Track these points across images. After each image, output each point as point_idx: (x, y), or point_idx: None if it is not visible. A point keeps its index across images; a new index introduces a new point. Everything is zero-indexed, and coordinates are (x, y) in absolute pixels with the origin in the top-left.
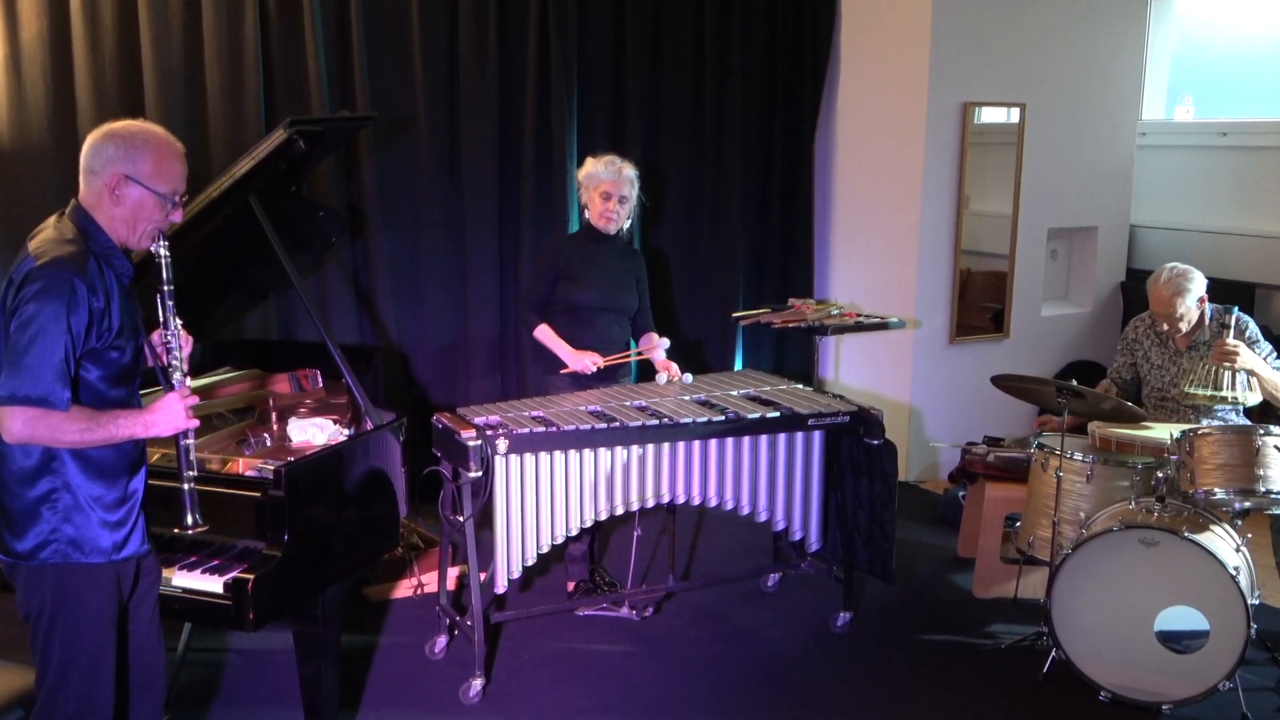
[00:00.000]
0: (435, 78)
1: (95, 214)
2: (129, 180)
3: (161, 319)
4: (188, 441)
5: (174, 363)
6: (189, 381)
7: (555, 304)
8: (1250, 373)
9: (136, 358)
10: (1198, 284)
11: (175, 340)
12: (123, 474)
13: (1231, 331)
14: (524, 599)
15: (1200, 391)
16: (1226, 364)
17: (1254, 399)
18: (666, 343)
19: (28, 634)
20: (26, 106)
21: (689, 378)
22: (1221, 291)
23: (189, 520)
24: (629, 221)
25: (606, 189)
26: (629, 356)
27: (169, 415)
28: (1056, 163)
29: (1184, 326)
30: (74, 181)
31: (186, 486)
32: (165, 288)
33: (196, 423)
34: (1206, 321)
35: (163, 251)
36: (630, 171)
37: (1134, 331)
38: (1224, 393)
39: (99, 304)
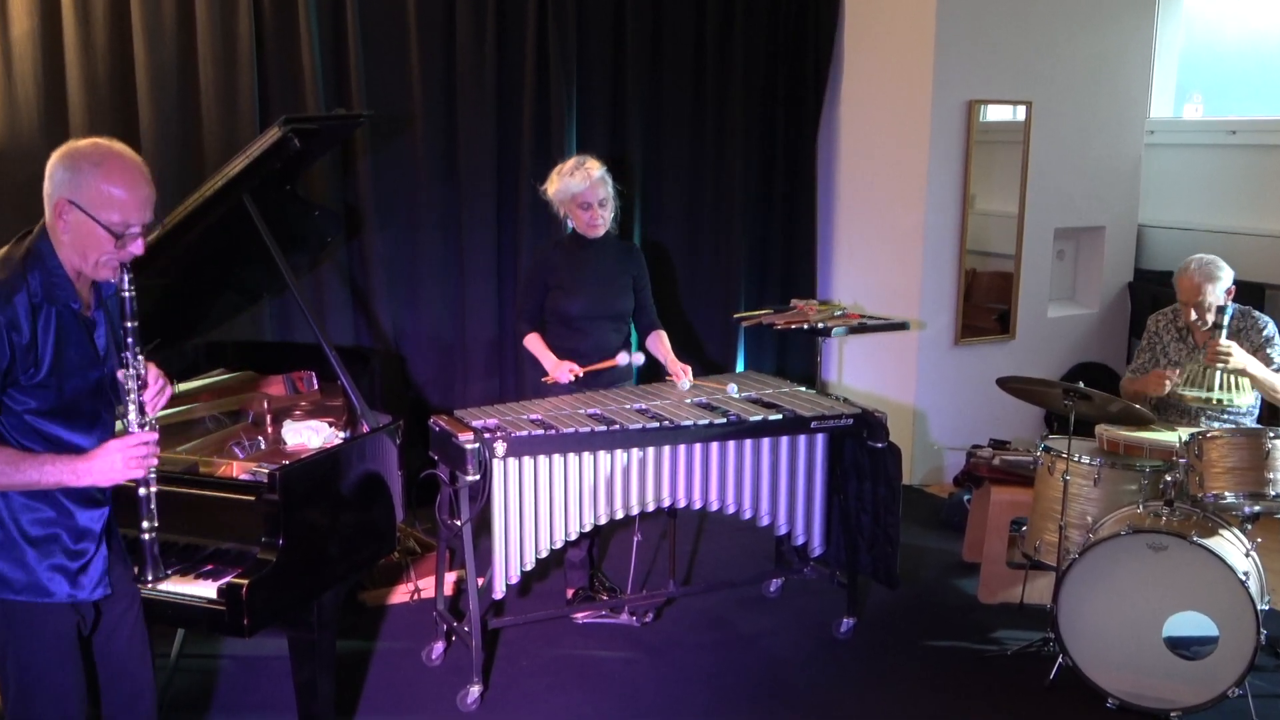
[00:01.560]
0: (432, 75)
1: (52, 238)
2: (72, 206)
3: (122, 358)
4: (145, 491)
5: (129, 404)
6: (149, 422)
7: (548, 314)
8: (1242, 373)
9: (93, 394)
10: (1227, 274)
11: (134, 382)
12: (72, 510)
13: (1225, 332)
14: (522, 604)
15: (1192, 393)
16: (1219, 364)
17: (1245, 400)
18: (640, 359)
19: None
20: (17, 104)
21: (734, 388)
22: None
23: (149, 575)
24: (614, 214)
25: (584, 199)
26: (608, 365)
27: (104, 463)
28: (1063, 161)
29: (1210, 317)
30: None
31: (146, 537)
32: (127, 324)
33: (141, 473)
34: (1227, 319)
35: (125, 286)
36: (599, 171)
37: (1155, 325)
38: (1215, 394)
39: (22, 339)
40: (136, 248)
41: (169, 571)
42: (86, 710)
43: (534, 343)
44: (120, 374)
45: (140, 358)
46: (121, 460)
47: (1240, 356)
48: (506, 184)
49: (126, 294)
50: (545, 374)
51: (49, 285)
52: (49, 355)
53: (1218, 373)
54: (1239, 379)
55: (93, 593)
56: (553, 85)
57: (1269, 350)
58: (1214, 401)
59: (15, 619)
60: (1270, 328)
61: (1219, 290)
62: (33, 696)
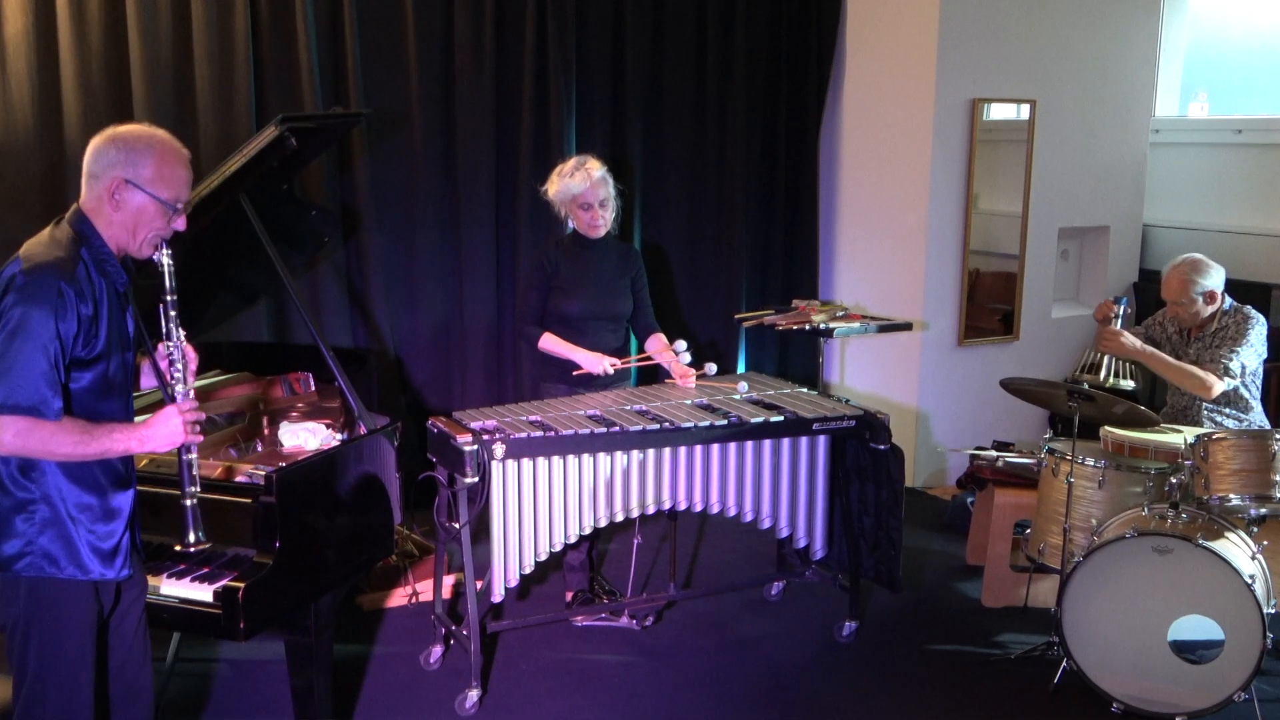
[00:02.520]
0: (430, 73)
1: (95, 219)
2: (129, 185)
3: (164, 330)
4: (190, 456)
5: (176, 375)
6: (193, 395)
7: (548, 314)
8: (1134, 359)
9: (126, 372)
10: (1210, 276)
11: (178, 352)
12: (108, 490)
13: (1120, 321)
14: (521, 608)
15: (1088, 376)
16: (1106, 351)
17: (1128, 385)
18: (682, 345)
19: (5, 643)
20: (11, 103)
21: (744, 386)
22: (1237, 292)
23: (191, 538)
24: (615, 214)
25: (585, 200)
26: (646, 361)
27: (166, 429)
28: (1067, 160)
29: (1186, 316)
30: (58, 179)
31: (189, 503)
32: (168, 298)
33: (199, 438)
34: (1218, 316)
35: (165, 260)
36: (599, 172)
37: (1161, 315)
38: (1104, 378)
39: (88, 311)
40: (180, 223)
41: (205, 538)
42: (94, 710)
43: (553, 341)
44: (161, 346)
45: (181, 329)
46: (181, 424)
47: (1130, 344)
48: (505, 183)
49: (167, 265)
50: (558, 373)
51: (99, 261)
52: (104, 327)
53: (1105, 358)
54: (1125, 365)
55: (120, 572)
56: (552, 83)
57: (1240, 345)
58: (1107, 384)
59: (46, 601)
60: (1251, 324)
61: (1195, 292)
62: (49, 684)
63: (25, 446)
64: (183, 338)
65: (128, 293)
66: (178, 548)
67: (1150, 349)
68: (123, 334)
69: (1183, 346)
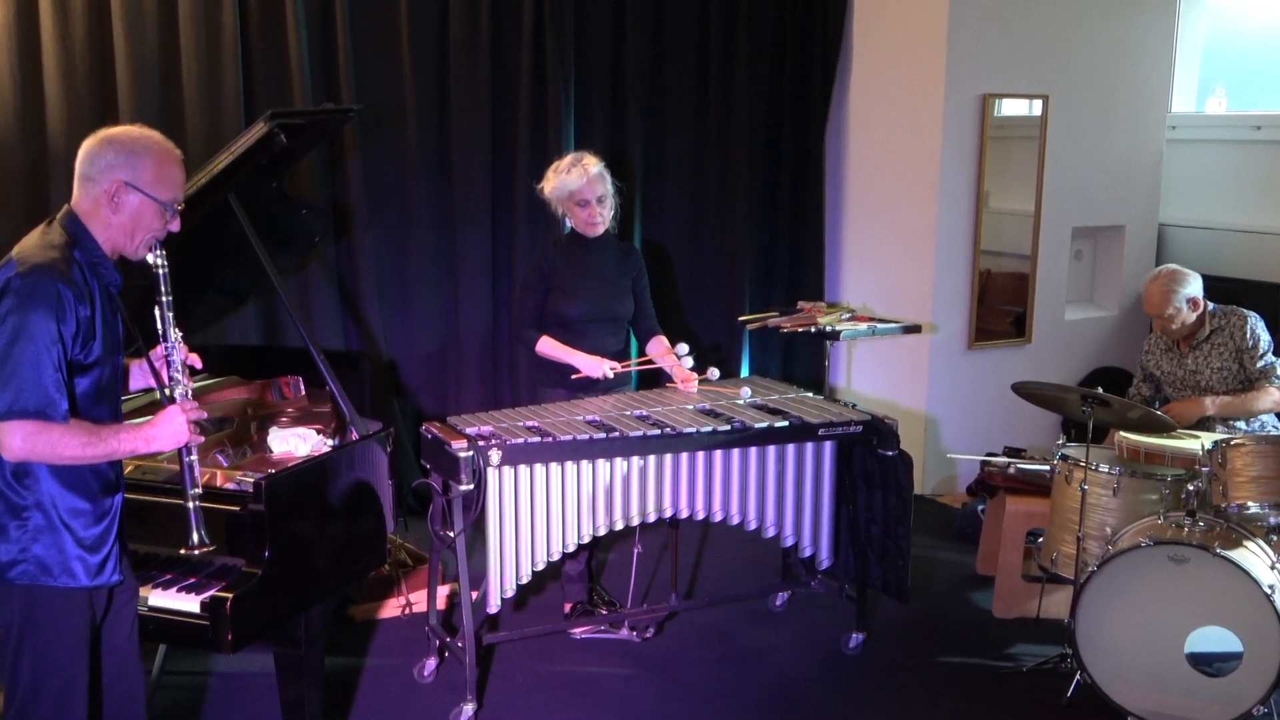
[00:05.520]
0: (424, 67)
1: (89, 221)
2: (129, 187)
3: (160, 331)
4: (191, 458)
5: (175, 375)
6: (191, 395)
7: (546, 316)
8: (1203, 423)
9: (116, 376)
10: (1189, 285)
11: (175, 353)
12: (98, 495)
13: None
14: (518, 619)
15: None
16: (1180, 430)
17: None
18: (684, 349)
19: None
20: None
21: (747, 391)
22: (1255, 294)
23: (194, 539)
24: (614, 211)
25: (582, 196)
26: (646, 364)
27: (170, 428)
28: (1081, 158)
29: (1175, 327)
30: (41, 176)
31: (192, 505)
32: (164, 299)
33: (200, 438)
34: (1207, 319)
35: (160, 262)
36: (596, 168)
37: (1146, 345)
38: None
39: (85, 313)
40: (175, 224)
41: (208, 540)
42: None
43: (550, 344)
44: (160, 347)
45: (177, 330)
46: (185, 423)
47: (1192, 411)
48: (501, 181)
49: (162, 269)
50: (556, 378)
51: (93, 264)
52: (100, 330)
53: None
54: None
55: (111, 576)
56: (549, 78)
57: (1253, 356)
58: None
59: (40, 608)
60: (1250, 324)
61: (1178, 301)
62: (42, 693)
63: (34, 451)
64: (179, 338)
65: (117, 295)
66: (182, 551)
67: (1221, 399)
68: (115, 337)
69: (1177, 363)
